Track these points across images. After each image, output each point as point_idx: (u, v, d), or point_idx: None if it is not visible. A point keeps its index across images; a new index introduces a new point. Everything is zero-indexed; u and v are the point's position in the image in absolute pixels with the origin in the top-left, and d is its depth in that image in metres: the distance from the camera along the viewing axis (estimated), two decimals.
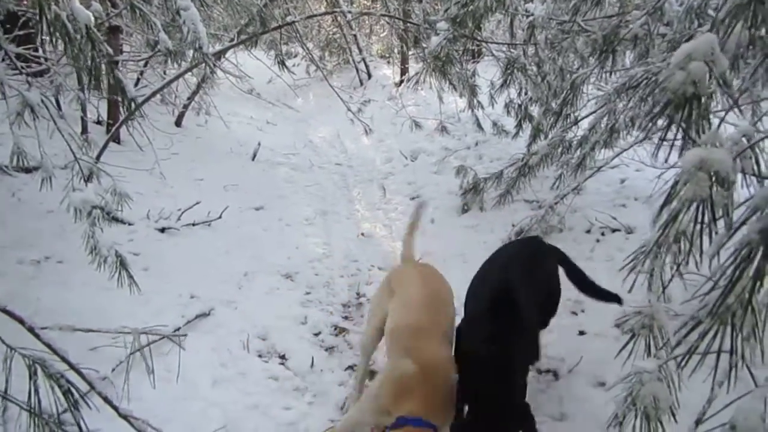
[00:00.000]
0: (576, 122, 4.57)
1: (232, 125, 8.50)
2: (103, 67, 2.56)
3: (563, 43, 4.40)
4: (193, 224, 5.04)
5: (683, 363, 1.13)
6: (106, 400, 2.16)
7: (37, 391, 1.96)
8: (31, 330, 2.17)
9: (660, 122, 1.24)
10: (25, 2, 5.11)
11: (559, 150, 4.59)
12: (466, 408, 2.39)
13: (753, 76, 2.02)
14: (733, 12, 1.44)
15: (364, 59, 11.87)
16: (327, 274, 4.63)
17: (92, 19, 2.61)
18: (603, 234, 4.62)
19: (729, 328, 0.98)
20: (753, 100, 2.78)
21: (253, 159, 7.38)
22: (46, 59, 5.19)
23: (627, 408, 1.26)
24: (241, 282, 4.37)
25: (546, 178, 5.12)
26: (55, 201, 3.10)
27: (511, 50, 5.25)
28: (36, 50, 5.23)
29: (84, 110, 5.69)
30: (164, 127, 6.94)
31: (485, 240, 4.77)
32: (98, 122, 6.58)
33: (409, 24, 8.11)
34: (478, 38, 5.06)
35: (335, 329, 3.93)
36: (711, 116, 1.39)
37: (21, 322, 2.17)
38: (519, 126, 5.77)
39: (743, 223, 1.02)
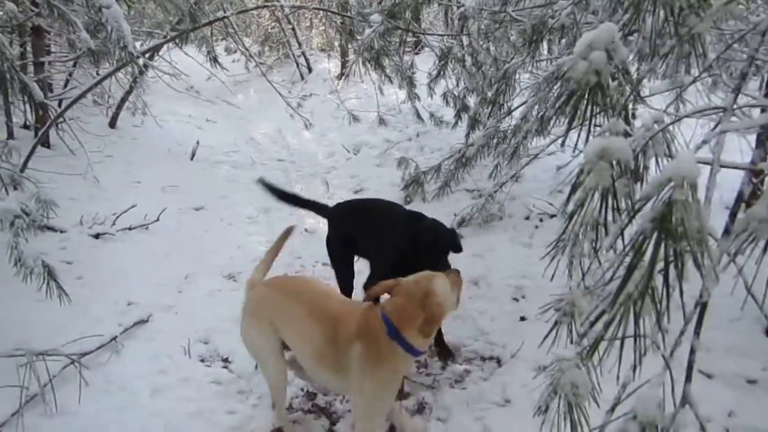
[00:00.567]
0: (509, 112, 4.64)
1: (170, 124, 8.29)
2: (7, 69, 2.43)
3: (496, 33, 4.47)
4: (130, 228, 4.89)
5: (590, 353, 1.16)
6: None
7: None
8: None
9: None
10: None
11: (495, 140, 4.66)
12: None
13: (676, 63, 2.08)
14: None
15: (304, 53, 11.74)
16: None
17: None
18: (541, 220, 4.73)
19: (632, 316, 1.01)
20: (676, 85, 2.88)
21: (192, 158, 7.21)
22: None
23: (549, 396, 1.28)
24: (181, 285, 4.27)
25: (485, 167, 5.20)
26: None
27: (446, 41, 5.28)
28: None
29: (8, 115, 5.42)
30: (97, 128, 6.71)
31: None
32: (26, 126, 6.29)
33: (344, 17, 8.06)
34: (413, 30, 5.08)
35: None
36: (630, 105, 1.42)
37: None
38: (458, 116, 5.85)
39: (638, 210, 1.04)
